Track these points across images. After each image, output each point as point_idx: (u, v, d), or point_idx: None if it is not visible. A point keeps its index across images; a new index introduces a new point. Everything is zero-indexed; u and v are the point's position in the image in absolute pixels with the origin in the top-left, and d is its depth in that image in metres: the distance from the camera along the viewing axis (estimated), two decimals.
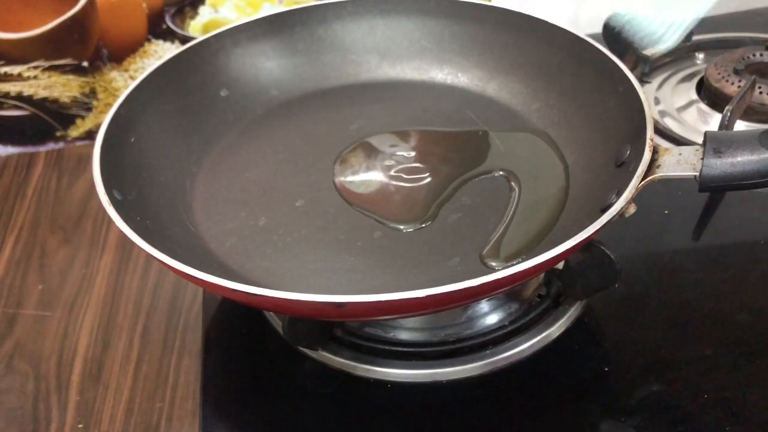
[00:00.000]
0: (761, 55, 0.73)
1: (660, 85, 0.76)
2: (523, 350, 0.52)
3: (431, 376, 0.52)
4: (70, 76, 0.80)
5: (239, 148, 0.62)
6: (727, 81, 0.71)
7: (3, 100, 0.79)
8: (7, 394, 0.56)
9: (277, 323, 0.55)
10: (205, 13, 0.81)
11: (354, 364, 0.52)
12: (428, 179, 0.58)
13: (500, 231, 0.53)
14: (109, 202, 0.48)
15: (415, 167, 0.59)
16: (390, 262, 0.51)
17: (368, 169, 0.59)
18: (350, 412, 0.51)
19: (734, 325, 0.54)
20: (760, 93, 0.68)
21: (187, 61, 0.63)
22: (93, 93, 0.81)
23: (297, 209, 0.56)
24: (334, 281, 0.51)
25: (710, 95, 0.72)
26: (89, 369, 0.58)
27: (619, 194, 0.46)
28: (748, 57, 0.73)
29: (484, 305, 0.55)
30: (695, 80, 0.75)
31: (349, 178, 0.58)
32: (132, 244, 0.45)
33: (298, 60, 0.67)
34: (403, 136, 0.62)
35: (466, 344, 0.53)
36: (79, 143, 0.83)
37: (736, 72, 0.71)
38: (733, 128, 0.61)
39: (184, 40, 0.79)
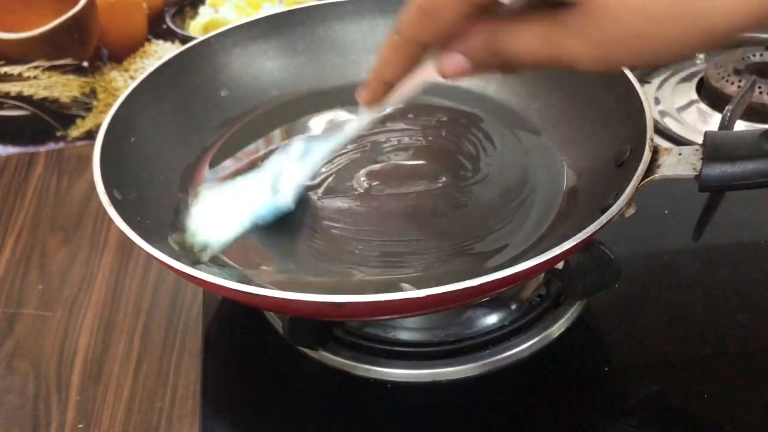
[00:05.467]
0: (761, 55, 0.73)
1: (660, 85, 0.76)
2: (523, 350, 0.52)
3: (431, 376, 0.52)
4: (70, 76, 0.80)
5: (239, 149, 0.62)
6: (727, 81, 0.71)
7: (3, 100, 0.79)
8: (7, 394, 0.56)
9: (277, 323, 0.55)
10: (205, 13, 0.81)
11: (354, 364, 0.52)
12: (426, 179, 0.58)
13: (500, 231, 0.53)
14: (109, 202, 0.48)
15: (414, 167, 0.59)
16: (390, 262, 0.51)
17: (368, 168, 0.59)
18: (350, 412, 0.51)
19: (734, 325, 0.54)
20: (760, 93, 0.68)
21: (187, 61, 0.63)
22: (93, 93, 0.81)
23: (297, 209, 0.56)
24: (335, 281, 0.51)
25: (710, 95, 0.72)
26: (89, 369, 0.58)
27: (618, 194, 0.46)
28: (748, 57, 0.73)
29: (484, 305, 0.55)
30: (695, 80, 0.75)
31: (350, 179, 0.58)
32: (132, 244, 0.45)
33: (298, 60, 0.67)
34: (402, 136, 0.62)
35: (466, 344, 0.53)
36: (79, 143, 0.83)
37: (736, 72, 0.71)
38: (733, 128, 0.61)
39: (184, 40, 0.79)
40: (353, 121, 0.51)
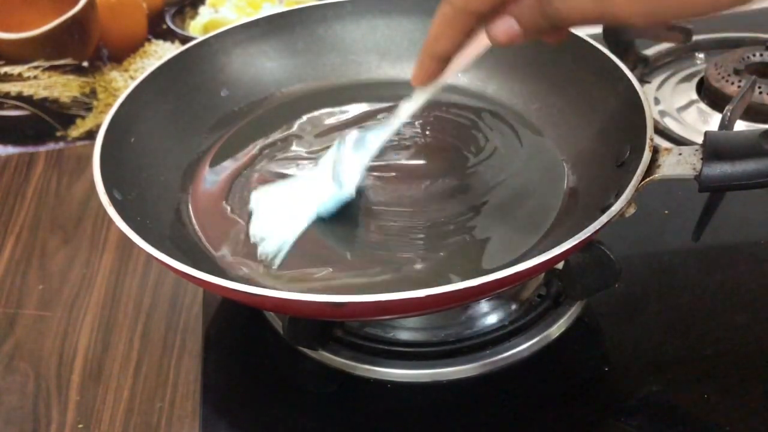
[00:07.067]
0: (761, 55, 0.73)
1: (660, 85, 0.76)
2: (523, 350, 0.52)
3: (431, 376, 0.52)
4: (70, 76, 0.80)
5: (239, 149, 0.62)
6: (727, 81, 0.71)
7: (3, 100, 0.79)
8: (7, 394, 0.56)
9: (277, 323, 0.55)
10: (205, 13, 0.81)
11: (354, 364, 0.52)
12: (427, 179, 0.58)
13: (500, 232, 0.53)
14: (109, 202, 0.48)
15: (414, 166, 0.59)
16: (390, 262, 0.51)
17: (369, 168, 0.59)
18: (350, 412, 0.51)
19: (734, 325, 0.54)
20: (760, 93, 0.68)
21: (187, 61, 0.63)
22: (93, 93, 0.81)
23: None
24: (335, 281, 0.51)
25: (710, 95, 0.72)
26: (89, 369, 0.58)
27: (618, 194, 0.46)
28: (748, 57, 0.73)
29: (484, 305, 0.55)
30: (695, 80, 0.75)
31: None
32: (132, 244, 0.45)
33: (298, 60, 0.67)
34: (403, 135, 0.62)
35: (466, 344, 0.53)
36: (79, 143, 0.83)
37: (736, 72, 0.71)
38: (733, 128, 0.61)
39: (184, 40, 0.79)
40: (407, 104, 0.51)
